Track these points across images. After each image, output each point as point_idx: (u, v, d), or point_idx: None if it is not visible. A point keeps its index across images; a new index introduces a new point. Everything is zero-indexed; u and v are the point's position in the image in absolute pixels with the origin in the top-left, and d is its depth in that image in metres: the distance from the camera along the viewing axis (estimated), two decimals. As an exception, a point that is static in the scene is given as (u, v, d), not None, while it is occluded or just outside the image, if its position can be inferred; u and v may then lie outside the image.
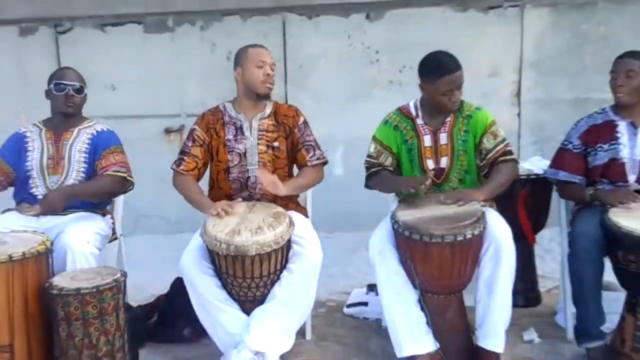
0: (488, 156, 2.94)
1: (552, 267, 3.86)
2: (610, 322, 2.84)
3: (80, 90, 3.17)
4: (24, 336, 2.52)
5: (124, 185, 3.18)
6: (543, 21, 4.82)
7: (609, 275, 2.84)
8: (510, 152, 2.97)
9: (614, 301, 2.89)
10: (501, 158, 2.94)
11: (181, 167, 3.05)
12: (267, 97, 3.08)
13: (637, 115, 2.96)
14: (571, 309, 2.98)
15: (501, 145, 2.95)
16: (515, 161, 3.00)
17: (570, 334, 3.04)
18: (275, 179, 2.87)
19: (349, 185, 4.41)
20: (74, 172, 3.12)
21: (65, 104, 3.13)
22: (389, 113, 3.09)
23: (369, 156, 3.08)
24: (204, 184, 3.14)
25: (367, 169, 3.08)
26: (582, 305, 2.82)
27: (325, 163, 3.15)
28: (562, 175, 3.02)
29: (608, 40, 4.66)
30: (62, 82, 3.13)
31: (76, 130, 3.20)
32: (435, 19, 4.82)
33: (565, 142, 3.07)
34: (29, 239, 2.66)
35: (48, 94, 3.18)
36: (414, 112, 3.03)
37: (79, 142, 3.17)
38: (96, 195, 3.12)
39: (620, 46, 3.14)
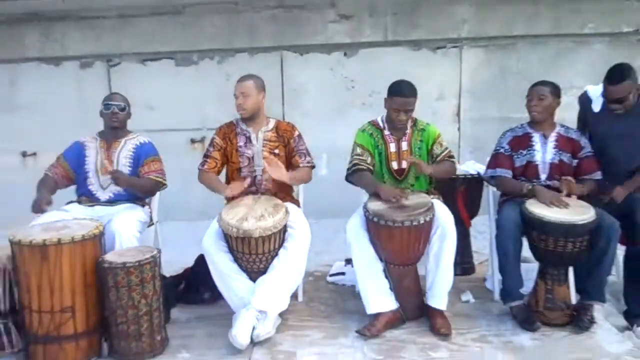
0: (437, 159, 2.97)
1: (483, 245, 3.86)
2: (527, 287, 2.88)
3: (123, 109, 3.13)
4: (83, 299, 2.51)
5: (159, 187, 3.16)
6: (477, 58, 4.84)
7: (526, 251, 2.86)
8: (452, 156, 3.02)
9: (530, 271, 2.93)
10: (446, 159, 2.98)
11: (205, 167, 3.06)
12: (247, 119, 3.04)
13: (547, 129, 2.98)
14: (497, 276, 3.00)
15: (446, 151, 2.99)
16: (454, 162, 3.05)
17: (497, 295, 3.06)
18: (282, 167, 2.88)
19: (331, 183, 4.38)
20: (120, 174, 3.09)
21: (111, 119, 3.10)
22: (364, 124, 3.07)
23: (356, 155, 2.96)
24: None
25: (354, 165, 2.94)
26: (506, 273, 2.84)
27: (313, 167, 3.13)
28: (499, 171, 2.98)
29: (525, 72, 4.67)
30: (109, 102, 3.11)
31: (123, 140, 3.16)
32: (396, 56, 4.81)
33: (498, 148, 3.05)
34: (87, 225, 2.64)
35: (100, 113, 3.15)
36: (381, 125, 3.03)
37: (124, 150, 3.14)
38: (140, 189, 3.10)
39: (534, 77, 3.15)
